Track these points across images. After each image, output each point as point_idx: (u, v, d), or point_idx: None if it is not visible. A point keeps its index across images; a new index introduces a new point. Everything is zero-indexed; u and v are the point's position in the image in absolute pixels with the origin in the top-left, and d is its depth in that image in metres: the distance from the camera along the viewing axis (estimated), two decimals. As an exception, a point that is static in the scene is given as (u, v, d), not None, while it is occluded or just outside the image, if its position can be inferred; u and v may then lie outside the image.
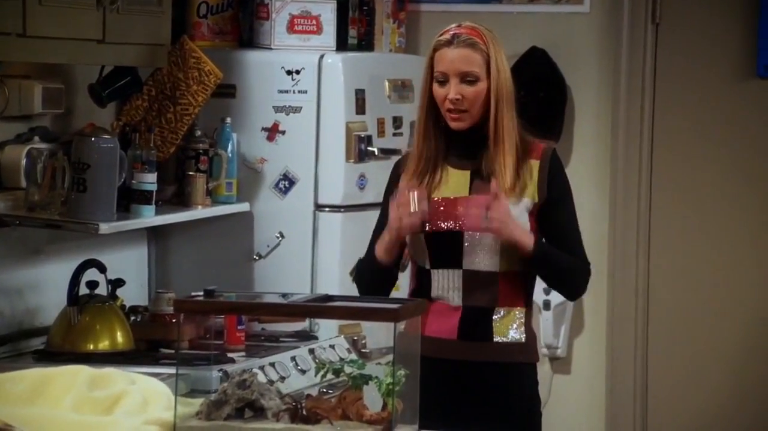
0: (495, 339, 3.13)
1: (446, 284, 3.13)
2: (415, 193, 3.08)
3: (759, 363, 4.88)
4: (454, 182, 3.15)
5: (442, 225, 3.12)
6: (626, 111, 4.90)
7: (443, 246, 3.13)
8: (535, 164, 3.15)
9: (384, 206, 3.24)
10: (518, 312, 3.16)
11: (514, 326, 3.15)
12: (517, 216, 3.11)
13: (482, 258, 3.12)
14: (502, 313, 3.14)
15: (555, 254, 3.15)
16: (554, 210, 3.16)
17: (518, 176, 3.13)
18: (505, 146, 3.10)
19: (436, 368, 3.08)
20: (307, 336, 4.10)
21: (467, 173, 3.15)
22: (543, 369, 3.27)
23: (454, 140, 3.16)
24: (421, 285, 3.17)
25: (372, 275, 3.20)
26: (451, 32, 3.14)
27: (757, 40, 4.84)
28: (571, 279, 3.20)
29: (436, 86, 3.13)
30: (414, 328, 3.03)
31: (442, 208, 3.13)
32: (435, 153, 3.15)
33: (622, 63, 4.87)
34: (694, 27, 4.92)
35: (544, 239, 3.17)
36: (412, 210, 3.07)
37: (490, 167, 3.12)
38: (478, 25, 3.16)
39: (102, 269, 3.71)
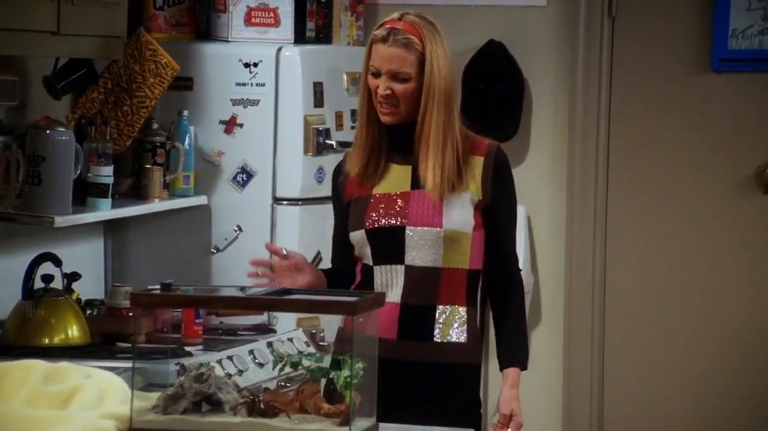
0: (435, 339, 3.13)
1: (387, 281, 3.13)
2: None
3: (714, 353, 4.92)
4: (395, 177, 3.14)
5: (383, 222, 3.12)
6: (583, 104, 4.92)
7: (385, 242, 3.12)
8: (478, 161, 3.14)
9: (334, 208, 3.24)
10: (461, 311, 3.15)
11: (456, 326, 3.14)
12: (460, 211, 3.10)
13: (425, 253, 3.11)
14: (444, 312, 3.13)
15: (524, 337, 3.19)
16: (498, 214, 3.16)
17: (459, 173, 3.10)
18: (430, 146, 3.09)
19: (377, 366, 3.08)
20: (265, 329, 4.09)
21: (408, 168, 3.14)
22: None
23: (393, 134, 3.15)
24: (365, 281, 3.17)
25: None
26: (388, 26, 3.12)
27: (711, 34, 4.87)
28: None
29: (370, 77, 3.14)
30: (371, 321, 3.02)
31: (382, 204, 3.12)
32: (379, 143, 3.14)
33: (578, 56, 4.89)
34: (650, 21, 4.94)
35: (486, 234, 3.16)
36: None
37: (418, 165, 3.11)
38: (421, 18, 3.13)
39: (57, 262, 3.68)
